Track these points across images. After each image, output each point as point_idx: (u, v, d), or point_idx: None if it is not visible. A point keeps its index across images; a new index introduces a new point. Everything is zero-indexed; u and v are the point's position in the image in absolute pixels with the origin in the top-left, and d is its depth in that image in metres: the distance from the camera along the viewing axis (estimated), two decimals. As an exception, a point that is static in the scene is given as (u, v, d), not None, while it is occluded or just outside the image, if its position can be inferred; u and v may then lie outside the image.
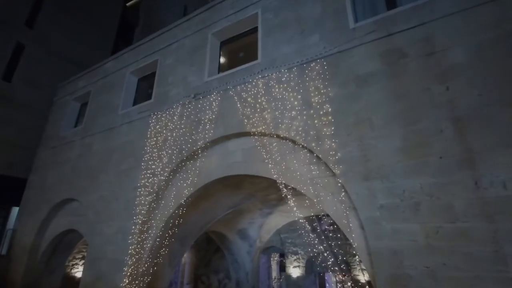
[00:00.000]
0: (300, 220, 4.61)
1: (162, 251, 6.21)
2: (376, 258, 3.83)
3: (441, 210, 3.59)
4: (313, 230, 11.54)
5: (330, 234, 4.34)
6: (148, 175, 6.71)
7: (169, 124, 7.04)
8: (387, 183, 4.04)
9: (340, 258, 10.31)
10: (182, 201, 6.13)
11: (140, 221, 6.29)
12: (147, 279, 5.97)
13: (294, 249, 11.28)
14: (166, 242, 6.21)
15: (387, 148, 4.17)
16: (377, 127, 4.35)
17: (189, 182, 6.19)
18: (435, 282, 3.39)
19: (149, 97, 8.28)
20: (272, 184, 7.19)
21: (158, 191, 6.43)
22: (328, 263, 4.21)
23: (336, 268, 9.69)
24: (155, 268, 6.22)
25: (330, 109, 4.90)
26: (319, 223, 4.53)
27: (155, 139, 7.12)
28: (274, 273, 21.69)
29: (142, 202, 6.47)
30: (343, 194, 4.39)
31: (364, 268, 10.18)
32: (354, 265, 9.93)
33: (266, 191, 8.20)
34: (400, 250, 3.69)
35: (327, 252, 4.43)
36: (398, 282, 3.57)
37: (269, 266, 12.74)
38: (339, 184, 4.44)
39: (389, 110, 4.34)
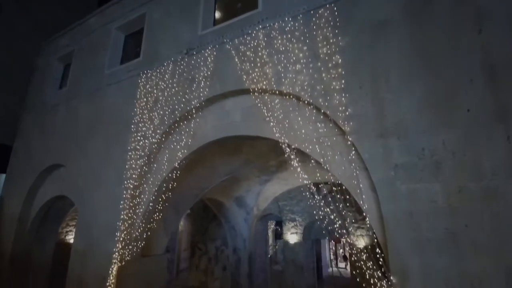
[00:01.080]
0: (305, 181, 4.23)
1: (156, 216, 5.89)
2: (390, 222, 3.51)
3: (466, 168, 3.21)
4: (314, 196, 11.40)
5: (338, 196, 3.99)
6: (139, 138, 6.21)
7: (160, 83, 6.41)
8: (404, 141, 3.62)
9: (339, 224, 10.26)
10: (176, 164, 5.71)
11: (131, 186, 5.90)
12: (141, 244, 5.70)
13: (292, 216, 11.21)
14: (160, 207, 5.88)
15: (406, 102, 3.70)
16: (395, 79, 3.85)
17: (182, 145, 5.72)
18: (455, 245, 3.09)
19: (137, 55, 7.56)
20: (272, 148, 6.79)
21: (149, 154, 5.98)
22: (335, 226, 3.90)
23: (345, 232, 9.69)
24: (149, 233, 5.95)
25: (340, 61, 4.34)
26: (322, 189, 4.15)
27: (145, 99, 6.53)
28: (270, 240, 22.19)
29: (133, 166, 6.04)
30: (353, 153, 3.98)
31: (362, 234, 10.23)
32: (352, 231, 9.90)
33: (265, 157, 7.83)
34: (417, 212, 3.36)
35: (332, 216, 4.11)
36: (415, 245, 3.28)
37: (266, 234, 12.79)
38: (349, 143, 4.01)
39: (409, 58, 3.81)
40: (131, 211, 5.79)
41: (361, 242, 9.80)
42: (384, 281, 3.37)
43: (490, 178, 3.08)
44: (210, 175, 7.61)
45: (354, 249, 3.96)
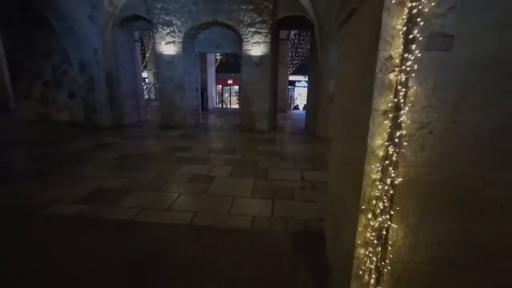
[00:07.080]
0: None
1: None
2: None
3: None
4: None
5: None
6: None
7: None
8: None
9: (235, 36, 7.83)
10: None
11: None
12: None
13: (167, 18, 7.83)
14: None
15: None
16: None
17: None
18: None
19: None
20: None
21: None
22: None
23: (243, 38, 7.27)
24: None
25: None
26: None
27: None
28: (150, 74, 18.81)
29: None
30: None
31: (258, 41, 8.31)
32: (247, 39, 7.77)
33: None
34: None
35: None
36: None
37: (133, 49, 9.26)
38: None
39: None
40: None
41: (257, 51, 7.92)
42: None
43: None
44: None
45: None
